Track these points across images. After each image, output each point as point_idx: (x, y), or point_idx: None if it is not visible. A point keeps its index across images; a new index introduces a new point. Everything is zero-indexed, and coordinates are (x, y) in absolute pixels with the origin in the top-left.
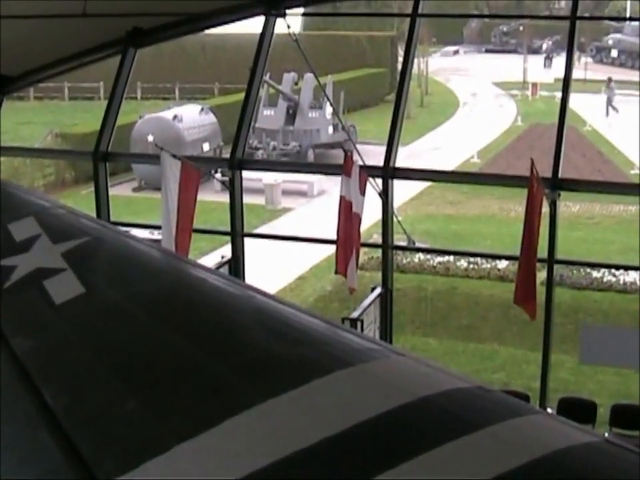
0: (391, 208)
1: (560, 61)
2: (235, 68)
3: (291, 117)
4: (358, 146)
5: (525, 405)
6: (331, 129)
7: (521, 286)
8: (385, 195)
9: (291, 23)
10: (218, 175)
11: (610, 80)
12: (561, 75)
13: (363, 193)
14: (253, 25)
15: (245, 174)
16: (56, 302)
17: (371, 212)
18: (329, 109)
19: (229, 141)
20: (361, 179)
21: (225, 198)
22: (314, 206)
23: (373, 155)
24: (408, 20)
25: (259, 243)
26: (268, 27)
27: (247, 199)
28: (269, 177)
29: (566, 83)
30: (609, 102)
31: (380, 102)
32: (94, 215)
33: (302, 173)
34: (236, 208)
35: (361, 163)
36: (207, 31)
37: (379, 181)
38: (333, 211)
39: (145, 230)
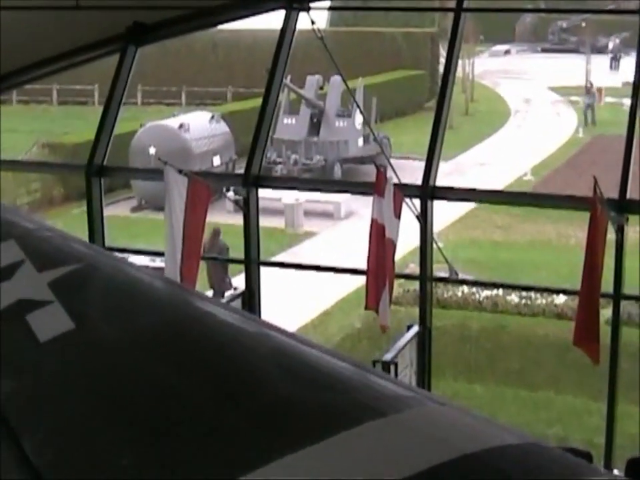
0: (430, 233)
1: (629, 61)
2: (251, 69)
3: (315, 126)
4: (392, 160)
5: (586, 465)
6: (361, 141)
7: (582, 324)
8: (424, 217)
9: (316, 17)
10: (230, 194)
11: (590, 86)
12: (630, 78)
13: (397, 215)
14: (271, 21)
15: (262, 192)
16: (40, 339)
17: (406, 237)
18: (358, 118)
19: (243, 154)
20: (395, 200)
21: (239, 220)
22: (341, 230)
23: (410, 171)
24: (451, 15)
25: (277, 273)
26: (289, 23)
27: (264, 222)
28: (289, 196)
29: (636, 88)
30: (589, 112)
31: (418, 109)
32: (86, 238)
33: (327, 192)
34: (251, 231)
35: (395, 180)
36: (220, 27)
37: (417, 201)
38: (362, 236)
39: (145, 256)
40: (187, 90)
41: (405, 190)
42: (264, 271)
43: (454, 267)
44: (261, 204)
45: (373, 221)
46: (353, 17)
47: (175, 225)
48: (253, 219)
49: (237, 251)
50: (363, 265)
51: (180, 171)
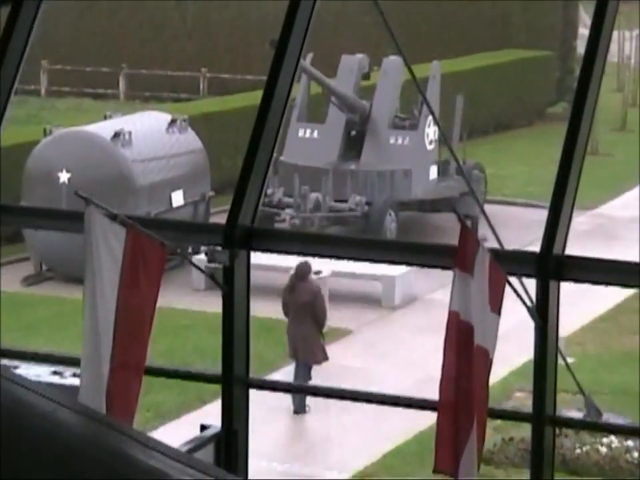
0: (552, 339)
1: None
2: (243, 43)
3: (353, 143)
4: (489, 208)
5: None
6: (433, 172)
7: None
8: (542, 311)
9: None
10: (199, 259)
11: None
12: None
13: (495, 307)
14: None
15: (257, 258)
16: None
17: (511, 345)
18: (430, 130)
19: (225, 188)
20: (492, 280)
21: (214, 304)
22: (394, 327)
23: (519, 227)
24: None
25: (280, 399)
26: None
27: (259, 308)
28: None
29: None
30: None
31: (536, 119)
32: None
33: (372, 262)
34: (235, 326)
35: (492, 243)
36: None
37: (531, 282)
38: (432, 340)
39: (46, 365)
40: (130, 73)
41: (509, 263)
42: (256, 395)
43: (594, 400)
44: (256, 278)
45: (451, 314)
46: None
47: (102, 309)
48: (239, 304)
49: (211, 361)
50: (431, 393)
51: (113, 216)
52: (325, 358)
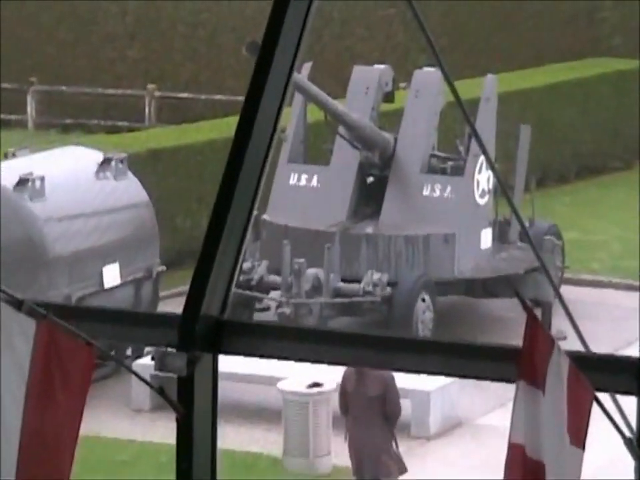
0: None
1: None
2: (208, 46)
3: (369, 194)
4: (568, 289)
5: None
6: (487, 236)
7: None
8: None
9: None
10: (143, 365)
11: None
12: None
13: (578, 439)
14: None
15: (227, 365)
16: None
17: None
18: (482, 177)
19: (182, 262)
20: (573, 397)
21: (164, 432)
22: (429, 464)
23: (611, 317)
24: None
25: None
26: None
27: (232, 437)
28: (296, 377)
29: None
30: None
31: (636, 158)
32: None
33: (394, 371)
34: (195, 463)
35: (573, 344)
36: None
37: (630, 402)
38: None
39: None
40: (42, 90)
41: (599, 372)
42: None
43: None
44: (226, 393)
45: (513, 448)
46: None
47: (3, 435)
48: (201, 431)
49: None
50: None
51: (18, 303)
52: (402, 469)
